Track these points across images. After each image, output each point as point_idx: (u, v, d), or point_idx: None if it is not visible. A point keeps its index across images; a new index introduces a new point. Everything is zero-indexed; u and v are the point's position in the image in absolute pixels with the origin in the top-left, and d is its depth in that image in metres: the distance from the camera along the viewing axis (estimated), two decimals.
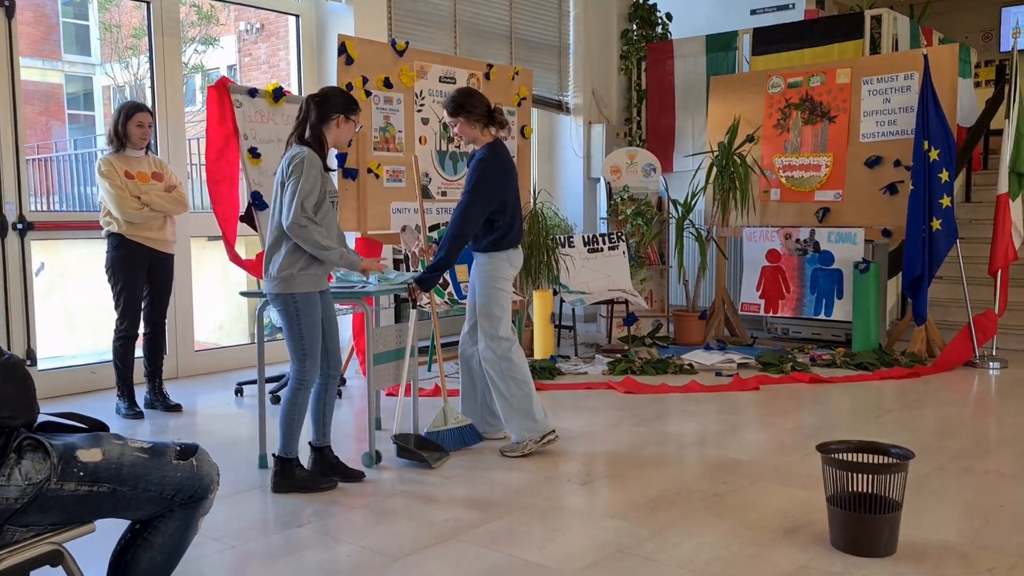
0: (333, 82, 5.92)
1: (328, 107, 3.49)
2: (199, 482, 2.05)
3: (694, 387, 5.56)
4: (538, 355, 6.43)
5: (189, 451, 2.06)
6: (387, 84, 5.95)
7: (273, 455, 3.61)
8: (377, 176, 5.97)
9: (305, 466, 3.65)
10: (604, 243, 7.16)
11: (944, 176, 6.17)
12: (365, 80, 5.82)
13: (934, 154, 6.16)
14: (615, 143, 8.60)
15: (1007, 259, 6.21)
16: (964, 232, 7.23)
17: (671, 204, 7.65)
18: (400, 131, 6.10)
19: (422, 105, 6.25)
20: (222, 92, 5.09)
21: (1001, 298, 6.28)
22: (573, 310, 7.09)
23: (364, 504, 3.43)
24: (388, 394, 5.29)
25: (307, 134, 3.47)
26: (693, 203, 7.39)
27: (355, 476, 3.69)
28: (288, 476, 3.56)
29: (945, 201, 6.18)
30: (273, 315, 3.82)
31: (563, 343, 7.18)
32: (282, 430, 3.56)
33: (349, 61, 5.72)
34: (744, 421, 4.72)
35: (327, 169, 3.51)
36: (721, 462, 3.92)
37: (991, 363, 6.13)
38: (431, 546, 2.98)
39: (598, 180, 8.26)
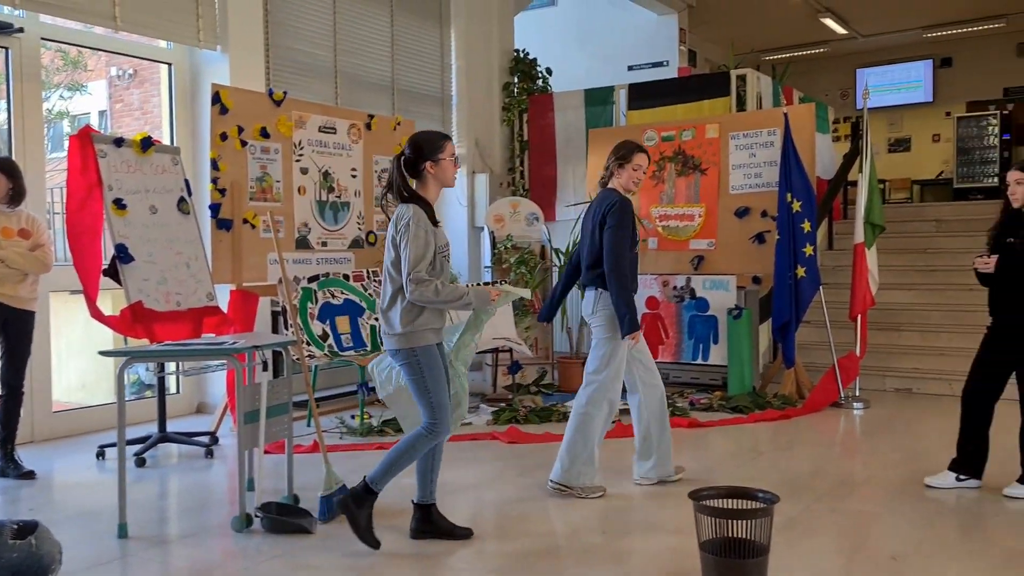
0: (206, 131, 5.78)
1: (413, 163, 3.44)
2: (38, 563, 1.91)
3: None
4: None
5: (27, 529, 1.92)
6: (264, 134, 5.85)
7: (364, 477, 3.49)
8: (253, 227, 5.82)
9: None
10: None
11: (806, 226, 6.51)
12: (241, 130, 5.71)
13: (796, 205, 6.50)
14: (498, 192, 8.70)
15: (865, 304, 6.58)
16: (828, 278, 7.63)
17: (554, 252, 7.76)
18: (278, 181, 5.99)
19: (301, 155, 6.17)
20: (84, 141, 4.88)
21: (861, 341, 6.63)
22: None
23: (235, 571, 3.27)
24: (267, 452, 5.09)
25: (406, 192, 3.43)
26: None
27: (462, 534, 3.57)
28: (359, 505, 3.44)
29: (808, 250, 6.51)
30: (136, 373, 3.62)
31: None
32: (385, 462, 3.45)
33: (224, 110, 5.60)
34: (625, 467, 4.77)
35: (434, 223, 3.42)
36: (602, 511, 3.94)
37: (855, 403, 6.44)
38: None
39: (482, 229, 8.32)
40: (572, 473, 4.21)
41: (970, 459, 4.23)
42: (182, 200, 5.48)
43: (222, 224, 5.65)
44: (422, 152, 3.42)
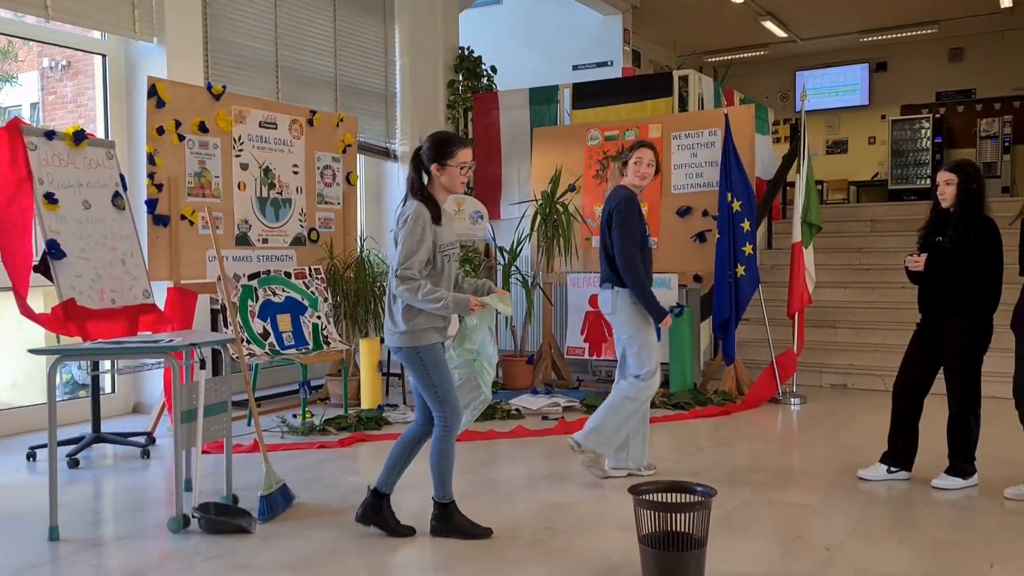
0: (143, 125, 5.66)
1: (419, 161, 3.43)
2: None
3: (520, 432, 5.61)
4: (365, 404, 6.30)
5: None
6: (202, 128, 5.74)
7: (433, 499, 3.55)
8: (191, 223, 5.71)
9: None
10: None
11: (746, 225, 6.62)
12: (178, 124, 5.60)
13: (736, 205, 6.62)
14: None
15: (802, 302, 6.73)
16: (767, 277, 7.79)
17: (498, 251, 7.77)
18: (217, 176, 5.88)
19: (241, 150, 6.07)
20: (14, 133, 4.73)
21: (798, 338, 6.78)
22: None
23: (171, 573, 3.20)
24: (205, 452, 5.00)
25: (416, 185, 3.41)
26: (519, 250, 7.55)
27: (404, 532, 3.57)
28: (447, 520, 3.50)
29: (748, 249, 6.63)
30: (70, 372, 3.53)
31: (392, 391, 7.09)
32: (436, 476, 3.49)
33: (160, 104, 5.49)
34: (567, 464, 4.80)
35: (438, 221, 3.38)
36: (545, 507, 3.96)
37: (792, 399, 6.58)
38: None
39: None
40: (591, 440, 4.35)
41: (900, 452, 4.36)
42: (117, 195, 5.35)
43: (159, 220, 5.53)
44: (432, 153, 3.39)
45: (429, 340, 3.39)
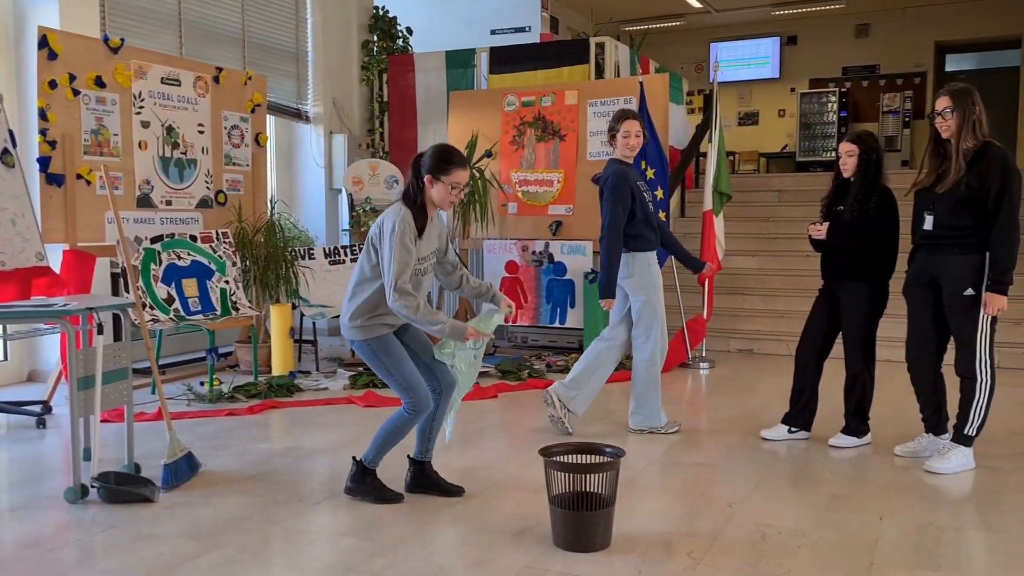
0: (33, 78, 5.34)
1: (418, 167, 3.35)
2: None
3: None
4: (276, 371, 6.18)
5: None
6: (99, 83, 5.47)
7: (353, 458, 3.59)
8: (88, 183, 5.45)
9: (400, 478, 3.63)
10: (346, 255, 7.04)
11: (659, 193, 6.71)
12: (72, 77, 5.31)
13: (651, 173, 6.69)
14: (357, 154, 8.51)
15: (712, 269, 6.86)
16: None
17: None
18: (116, 134, 5.62)
19: (141, 107, 5.81)
20: None
21: (708, 304, 6.94)
22: (314, 324, 6.90)
23: (68, 544, 3.09)
24: (104, 420, 4.82)
25: (412, 192, 3.37)
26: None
27: (454, 491, 3.61)
28: (362, 482, 3.54)
29: (661, 216, 6.71)
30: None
31: (305, 358, 6.97)
32: (376, 443, 3.52)
33: (52, 56, 5.19)
34: (481, 429, 4.82)
35: (420, 233, 3.34)
36: (458, 470, 3.96)
37: (701, 363, 6.76)
38: None
39: (340, 191, 8.13)
40: (646, 416, 4.64)
41: (801, 413, 4.53)
42: (6, 152, 5.05)
43: (52, 179, 5.26)
44: (429, 164, 3.34)
45: (378, 332, 3.42)
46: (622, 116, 4.59)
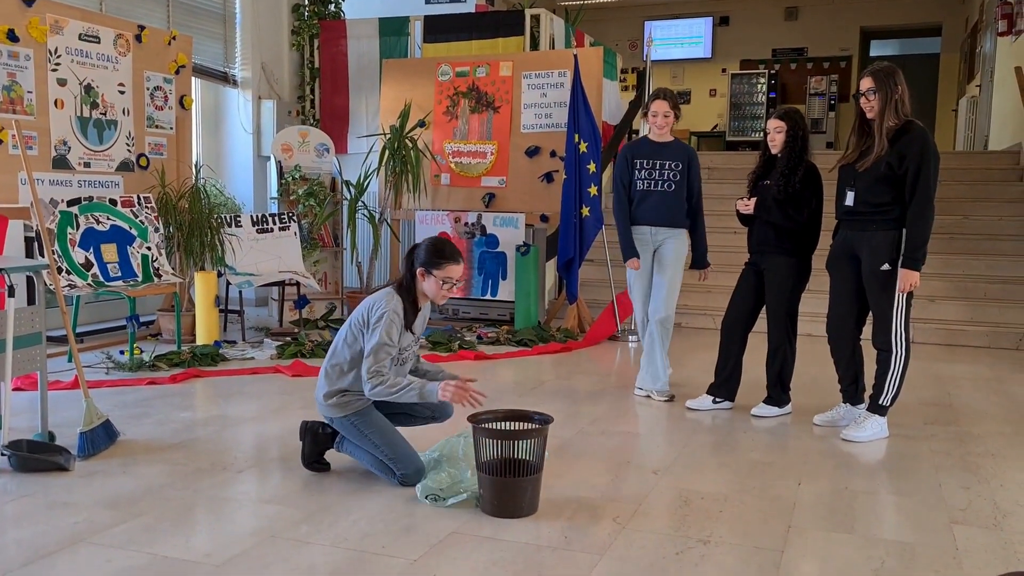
0: None
1: (411, 259, 3.32)
2: None
3: None
4: (200, 340, 6.03)
5: None
6: (11, 37, 5.21)
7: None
8: (1, 141, 5.20)
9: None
10: (275, 223, 6.90)
11: (592, 167, 6.75)
12: None
13: (583, 147, 6.72)
14: (287, 121, 8.33)
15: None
16: (610, 219, 7.97)
17: (344, 185, 7.57)
18: (30, 91, 5.37)
19: (58, 64, 5.55)
20: None
21: None
22: (240, 293, 6.75)
23: None
24: (16, 388, 4.65)
25: (405, 281, 3.35)
26: (366, 185, 7.38)
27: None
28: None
29: (593, 190, 6.77)
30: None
31: (230, 328, 6.83)
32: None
33: None
34: None
35: (409, 325, 3.33)
36: None
37: (630, 337, 6.85)
38: (52, 554, 2.65)
39: (269, 158, 7.95)
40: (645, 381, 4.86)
41: (725, 384, 4.63)
42: None
43: None
44: (423, 256, 3.29)
45: (357, 407, 3.34)
46: (652, 96, 4.74)
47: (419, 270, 3.31)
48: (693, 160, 4.78)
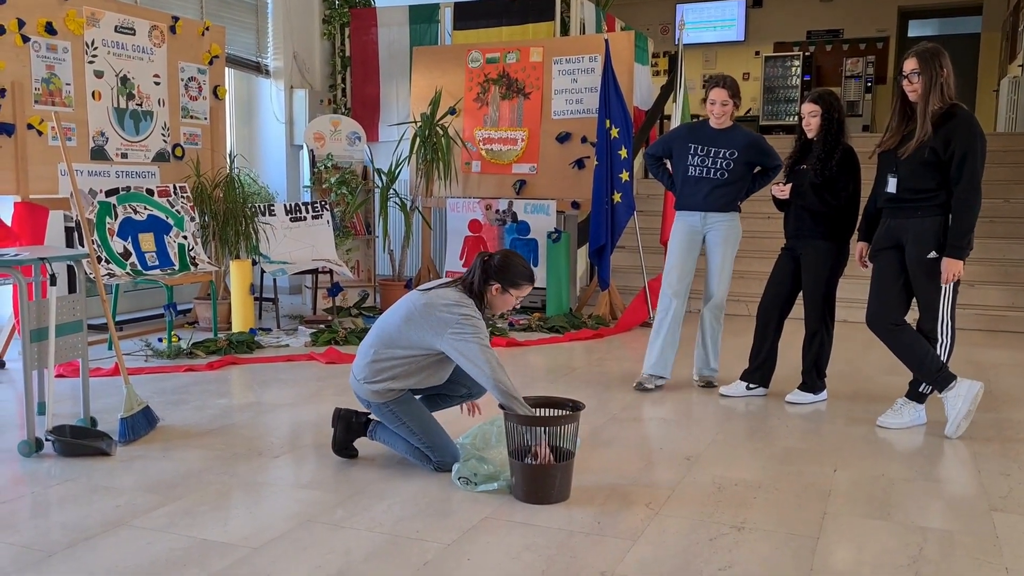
0: None
1: (488, 272, 3.30)
2: None
3: None
4: (236, 327, 6.11)
5: None
6: (50, 30, 5.29)
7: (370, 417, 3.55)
8: (40, 133, 5.29)
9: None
10: (307, 212, 6.96)
11: (623, 153, 6.71)
12: (21, 23, 5.13)
13: (615, 132, 6.68)
14: (319, 110, 8.38)
15: None
16: (642, 206, 7.95)
17: (376, 174, 7.60)
18: (68, 84, 5.45)
19: (95, 56, 5.63)
20: None
21: None
22: (275, 281, 6.83)
23: (20, 497, 3.04)
24: (59, 375, 4.75)
25: (475, 287, 3.33)
26: (397, 173, 7.41)
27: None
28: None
29: (624, 176, 6.73)
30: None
31: (265, 315, 6.91)
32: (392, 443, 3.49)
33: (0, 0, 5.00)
34: None
35: None
36: None
37: None
38: (95, 536, 2.71)
39: (301, 147, 8.01)
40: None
41: (759, 369, 4.59)
42: None
43: (2, 128, 5.10)
44: (499, 274, 3.30)
45: (394, 395, 3.35)
46: (711, 83, 4.69)
47: (496, 285, 3.31)
48: (752, 145, 4.65)
